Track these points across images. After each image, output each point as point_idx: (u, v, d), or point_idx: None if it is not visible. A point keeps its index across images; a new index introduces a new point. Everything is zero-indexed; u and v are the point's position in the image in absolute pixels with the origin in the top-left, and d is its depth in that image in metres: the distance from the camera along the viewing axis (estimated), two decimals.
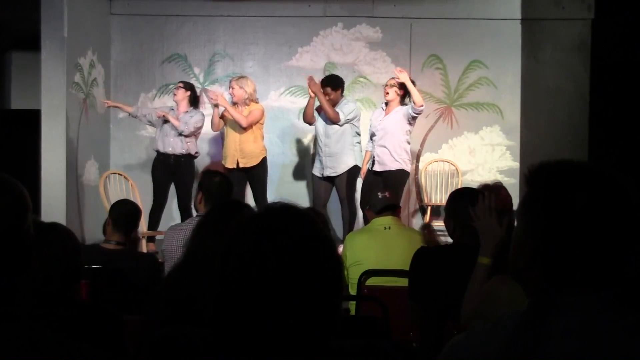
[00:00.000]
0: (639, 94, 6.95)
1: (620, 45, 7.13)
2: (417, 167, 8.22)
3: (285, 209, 1.28)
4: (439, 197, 8.03)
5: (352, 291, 3.81)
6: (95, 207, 7.29)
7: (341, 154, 6.85)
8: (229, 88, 7.09)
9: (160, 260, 3.91)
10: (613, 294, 1.24)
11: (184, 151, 7.01)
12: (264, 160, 7.05)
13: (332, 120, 6.80)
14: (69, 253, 2.20)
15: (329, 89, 6.82)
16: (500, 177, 8.01)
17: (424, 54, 8.18)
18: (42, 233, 2.11)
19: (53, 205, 6.69)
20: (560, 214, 1.25)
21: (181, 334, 1.30)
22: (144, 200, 7.02)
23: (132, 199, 6.49)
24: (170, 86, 8.13)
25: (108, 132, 8.12)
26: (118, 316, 2.21)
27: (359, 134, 7.00)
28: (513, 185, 7.87)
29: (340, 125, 6.84)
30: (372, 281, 3.75)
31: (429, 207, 7.82)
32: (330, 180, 6.95)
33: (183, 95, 7.12)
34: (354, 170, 6.92)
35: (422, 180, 8.10)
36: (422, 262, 3.20)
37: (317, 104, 6.95)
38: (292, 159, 8.22)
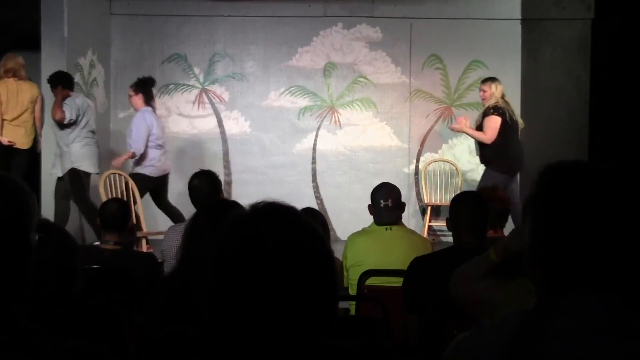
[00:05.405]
0: (639, 94, 6.94)
1: (620, 45, 7.13)
2: (417, 167, 8.22)
3: (271, 207, 1.29)
4: (439, 197, 8.03)
5: (353, 292, 3.81)
6: (95, 207, 7.28)
7: (59, 156, 6.69)
8: None
9: (160, 260, 3.91)
10: (617, 295, 1.23)
11: None
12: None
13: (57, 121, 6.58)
14: (64, 253, 2.20)
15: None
16: None
17: (424, 54, 8.18)
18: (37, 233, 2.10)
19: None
20: (561, 214, 1.25)
21: (181, 334, 1.30)
22: (144, 200, 7.01)
23: (132, 199, 6.50)
24: (171, 86, 8.16)
25: (108, 132, 8.12)
26: (116, 313, 2.21)
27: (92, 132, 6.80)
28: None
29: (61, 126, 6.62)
30: (372, 281, 3.74)
31: (429, 207, 7.82)
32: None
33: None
34: (71, 173, 6.62)
35: (422, 180, 8.10)
36: (418, 272, 3.18)
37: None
38: (292, 159, 8.22)
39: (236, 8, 8.15)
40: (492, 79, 6.77)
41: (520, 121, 6.89)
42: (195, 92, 8.25)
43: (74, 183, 6.63)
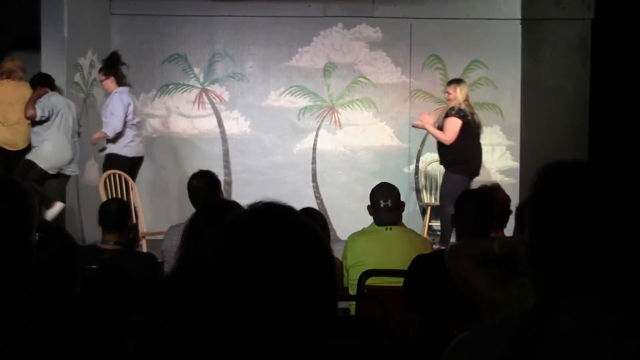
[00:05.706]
0: (639, 94, 6.94)
1: (620, 45, 7.13)
2: (417, 167, 8.23)
3: (270, 207, 1.29)
4: (439, 197, 8.02)
5: (353, 292, 3.81)
6: (95, 207, 7.23)
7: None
8: None
9: (160, 260, 3.91)
10: (617, 295, 1.23)
11: None
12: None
13: None
14: (63, 254, 2.20)
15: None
16: (500, 177, 8.02)
17: (424, 54, 8.18)
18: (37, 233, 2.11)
19: None
20: (561, 214, 1.25)
21: (181, 334, 1.30)
22: (145, 200, 7.02)
23: (132, 199, 6.50)
24: (171, 86, 8.16)
25: None
26: (116, 313, 2.21)
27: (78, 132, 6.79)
28: (513, 185, 7.88)
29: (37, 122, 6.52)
30: (372, 281, 3.74)
31: (429, 207, 7.82)
32: None
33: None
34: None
35: (422, 180, 8.10)
36: (419, 271, 3.17)
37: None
38: (292, 159, 8.22)
39: (236, 8, 8.15)
40: (457, 81, 6.80)
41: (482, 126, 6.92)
42: (195, 92, 8.25)
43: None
